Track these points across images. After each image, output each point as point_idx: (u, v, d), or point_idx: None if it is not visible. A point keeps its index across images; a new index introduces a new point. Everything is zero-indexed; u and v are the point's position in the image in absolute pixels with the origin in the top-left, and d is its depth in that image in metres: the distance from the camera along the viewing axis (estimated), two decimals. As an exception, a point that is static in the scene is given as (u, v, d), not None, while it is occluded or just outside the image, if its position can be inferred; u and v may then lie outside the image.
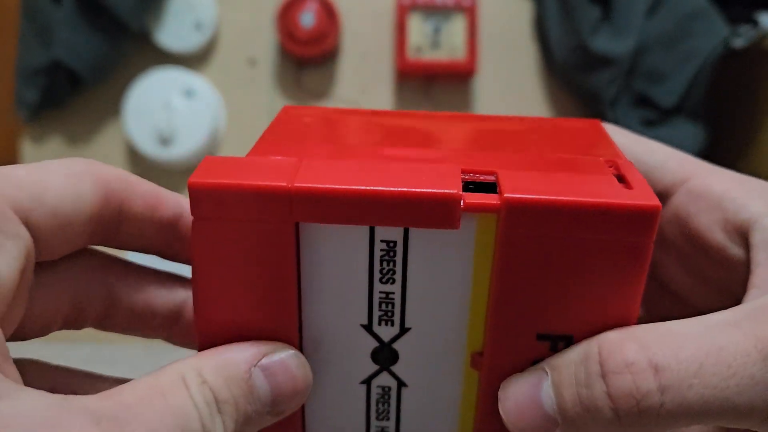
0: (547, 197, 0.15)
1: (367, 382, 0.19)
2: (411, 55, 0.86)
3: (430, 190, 0.15)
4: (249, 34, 0.89)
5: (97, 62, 0.83)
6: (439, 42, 0.86)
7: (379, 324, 0.18)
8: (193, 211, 0.16)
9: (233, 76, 0.89)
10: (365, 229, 0.17)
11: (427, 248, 0.17)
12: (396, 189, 0.15)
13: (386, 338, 0.18)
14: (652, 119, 0.88)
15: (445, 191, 0.15)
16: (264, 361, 0.17)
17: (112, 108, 0.87)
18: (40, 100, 0.83)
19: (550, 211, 0.15)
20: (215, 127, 0.85)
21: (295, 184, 0.16)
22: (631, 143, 0.21)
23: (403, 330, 0.18)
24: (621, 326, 0.16)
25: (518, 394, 0.16)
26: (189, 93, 0.84)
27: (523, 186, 0.16)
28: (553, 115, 0.92)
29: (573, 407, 0.15)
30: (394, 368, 0.19)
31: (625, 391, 0.15)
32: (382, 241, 0.17)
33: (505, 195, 0.15)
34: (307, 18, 0.83)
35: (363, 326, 0.18)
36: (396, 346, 0.18)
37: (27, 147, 0.87)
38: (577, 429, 0.15)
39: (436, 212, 0.15)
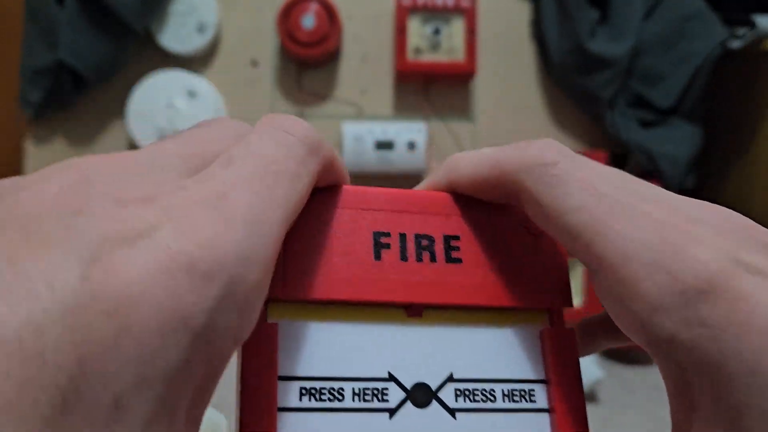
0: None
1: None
2: (411, 56, 0.87)
3: None
4: (251, 36, 0.90)
5: (101, 63, 0.84)
6: (438, 44, 0.87)
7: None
8: None
9: (235, 77, 0.90)
10: None
11: None
12: None
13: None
14: (650, 120, 0.89)
15: None
16: None
17: (115, 109, 0.88)
18: (44, 101, 0.84)
19: None
20: (217, 128, 0.86)
21: None
22: (545, 188, 0.18)
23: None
24: None
25: None
26: (191, 94, 0.85)
27: None
28: (551, 116, 0.93)
29: None
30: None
31: None
32: None
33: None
34: (308, 20, 0.84)
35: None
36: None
37: (31, 147, 0.88)
38: None
39: None
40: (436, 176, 0.21)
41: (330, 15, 0.85)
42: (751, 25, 0.85)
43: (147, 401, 0.12)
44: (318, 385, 0.17)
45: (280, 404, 0.17)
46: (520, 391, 0.19)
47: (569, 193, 0.17)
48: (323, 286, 0.18)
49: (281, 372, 0.17)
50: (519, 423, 0.18)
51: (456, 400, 0.18)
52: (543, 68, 0.93)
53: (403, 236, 0.19)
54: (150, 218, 0.13)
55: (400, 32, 0.86)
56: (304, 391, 0.17)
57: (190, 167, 0.15)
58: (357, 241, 0.19)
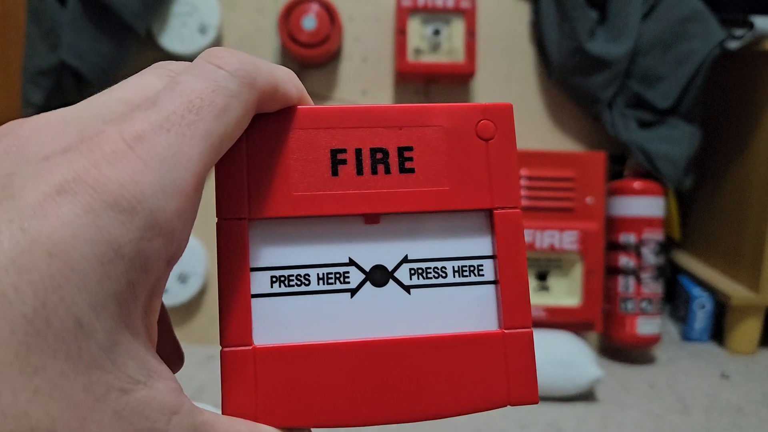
0: None
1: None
2: (411, 57, 0.87)
3: None
4: (252, 37, 0.91)
5: (102, 64, 0.84)
6: (438, 45, 0.87)
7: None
8: None
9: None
10: None
11: None
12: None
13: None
14: (648, 120, 0.89)
15: None
16: None
17: (116, 109, 0.88)
18: (46, 102, 0.85)
19: None
20: (218, 128, 0.86)
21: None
22: None
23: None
24: None
25: None
26: (192, 94, 0.85)
27: None
28: (551, 116, 0.94)
29: None
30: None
31: None
32: None
33: None
34: (309, 21, 0.85)
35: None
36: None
37: (33, 147, 0.88)
38: None
39: None
40: None
41: (331, 16, 0.86)
42: (750, 26, 0.86)
43: (105, 319, 0.14)
44: (286, 273, 0.19)
45: (254, 291, 0.19)
46: (470, 266, 0.21)
47: None
48: (285, 205, 0.20)
49: (253, 264, 0.19)
50: (467, 294, 0.20)
51: (411, 278, 0.20)
52: (542, 69, 0.93)
53: (358, 151, 0.20)
54: (73, 166, 0.14)
55: (401, 33, 0.87)
56: (274, 279, 0.19)
57: (115, 113, 0.16)
58: (315, 159, 0.20)
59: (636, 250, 0.86)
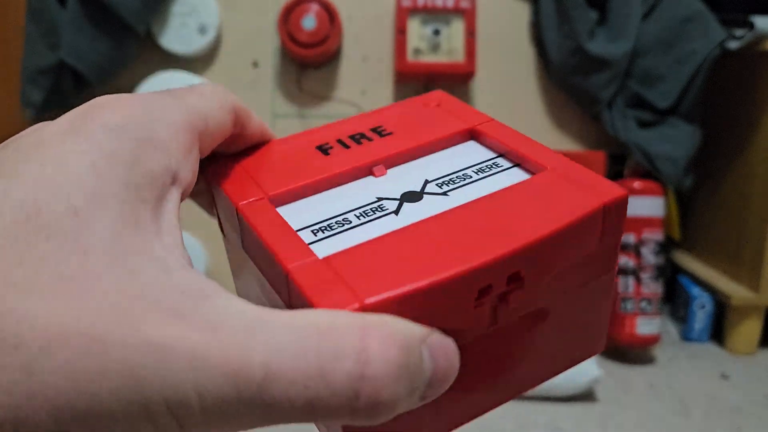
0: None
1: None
2: (410, 57, 0.87)
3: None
4: (251, 37, 0.91)
5: (102, 64, 0.84)
6: (438, 44, 0.87)
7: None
8: None
9: (236, 78, 0.90)
10: None
11: None
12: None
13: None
14: (648, 120, 0.89)
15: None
16: (433, 339, 0.15)
17: (116, 109, 0.88)
18: (46, 101, 0.85)
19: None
20: (218, 128, 0.86)
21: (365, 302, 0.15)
22: None
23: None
24: None
25: None
26: (192, 94, 0.85)
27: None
28: (550, 116, 0.94)
29: None
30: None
31: None
32: None
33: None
34: (309, 21, 0.85)
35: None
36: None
37: (33, 147, 0.89)
38: None
39: None
40: None
41: (330, 16, 0.86)
42: (750, 26, 0.86)
43: (105, 211, 0.14)
44: (326, 223, 0.20)
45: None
46: (488, 164, 0.22)
47: None
48: (295, 179, 0.21)
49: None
50: (497, 181, 0.21)
51: (441, 188, 0.21)
52: (542, 69, 0.93)
53: (339, 140, 0.23)
54: (64, 117, 0.16)
55: (400, 33, 0.87)
56: (315, 230, 0.19)
57: None
58: (305, 156, 0.22)
59: (636, 250, 0.86)
